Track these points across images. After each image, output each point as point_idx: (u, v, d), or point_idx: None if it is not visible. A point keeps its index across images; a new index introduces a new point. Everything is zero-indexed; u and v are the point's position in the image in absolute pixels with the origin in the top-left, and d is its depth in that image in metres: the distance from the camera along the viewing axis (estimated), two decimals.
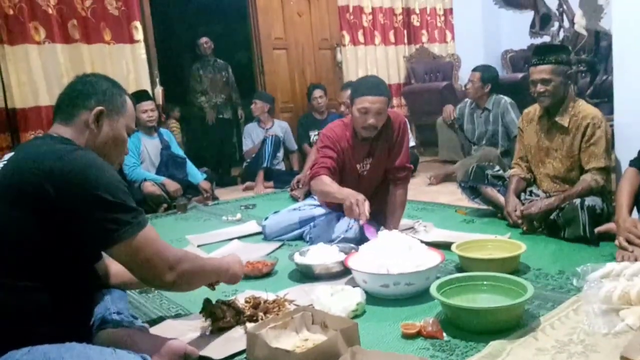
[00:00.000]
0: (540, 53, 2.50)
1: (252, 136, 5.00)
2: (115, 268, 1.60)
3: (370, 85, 2.38)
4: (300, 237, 2.71)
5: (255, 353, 1.42)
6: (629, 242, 1.95)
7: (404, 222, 2.92)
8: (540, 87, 2.46)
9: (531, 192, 2.68)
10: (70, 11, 4.09)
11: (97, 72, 1.52)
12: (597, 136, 2.39)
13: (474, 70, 3.89)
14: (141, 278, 1.35)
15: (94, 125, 1.36)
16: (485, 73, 3.78)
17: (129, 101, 1.45)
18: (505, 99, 3.73)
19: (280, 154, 4.96)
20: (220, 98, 5.67)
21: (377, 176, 2.59)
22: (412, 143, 4.85)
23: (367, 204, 2.17)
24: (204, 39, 5.57)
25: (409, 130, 2.55)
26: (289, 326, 1.53)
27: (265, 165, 4.71)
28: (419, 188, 4.18)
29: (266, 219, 2.84)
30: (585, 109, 2.47)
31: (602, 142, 2.39)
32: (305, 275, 2.15)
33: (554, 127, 2.53)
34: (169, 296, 1.99)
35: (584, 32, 3.01)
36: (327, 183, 2.36)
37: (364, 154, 2.54)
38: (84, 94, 1.37)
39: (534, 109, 2.65)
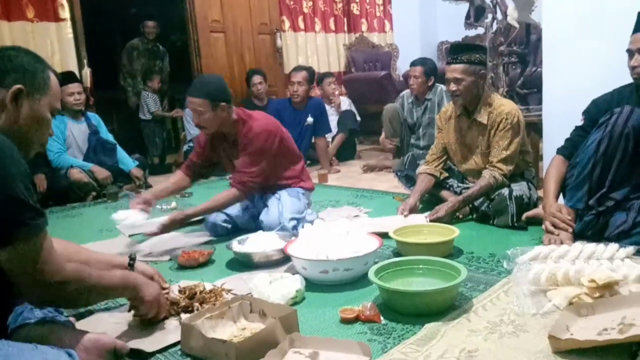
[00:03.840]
0: (454, 52, 2.52)
1: None
2: None
3: (193, 84, 2.47)
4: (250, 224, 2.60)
5: (190, 344, 1.37)
6: (555, 226, 2.05)
7: (347, 209, 2.95)
8: (452, 86, 2.49)
9: (465, 179, 2.75)
10: None
11: (18, 46, 1.35)
12: (505, 129, 2.46)
13: (414, 64, 3.87)
14: (21, 288, 1.18)
15: (12, 106, 1.22)
16: (427, 66, 3.81)
17: (53, 78, 1.31)
18: (442, 87, 3.80)
19: None
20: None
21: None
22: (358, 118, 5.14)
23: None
24: (151, 23, 5.34)
25: (261, 144, 2.49)
26: (226, 316, 1.49)
27: None
28: (357, 176, 4.22)
29: None
30: (501, 104, 2.51)
31: (507, 135, 2.45)
32: (244, 264, 2.11)
33: (473, 124, 2.58)
34: None
35: (516, 25, 3.12)
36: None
37: (234, 156, 2.55)
38: (1, 69, 1.22)
39: (451, 107, 2.69)
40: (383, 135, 4.29)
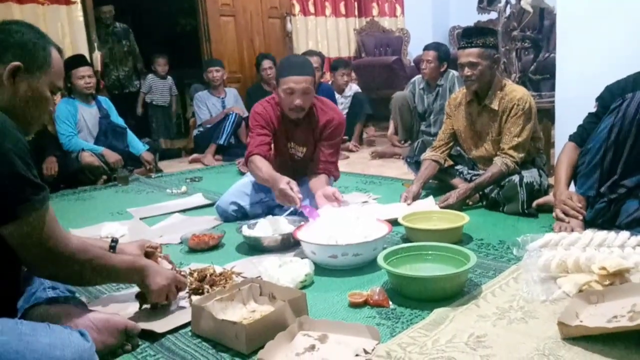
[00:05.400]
0: (468, 36, 2.49)
1: (207, 105, 4.83)
2: None
3: (295, 65, 2.36)
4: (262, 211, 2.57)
5: (201, 326, 1.39)
6: (566, 213, 2.03)
7: (357, 195, 2.96)
8: (467, 71, 2.46)
9: (474, 166, 2.74)
10: None
11: (21, 20, 1.34)
12: (517, 116, 2.43)
13: (427, 49, 3.84)
14: (28, 264, 1.21)
15: (9, 82, 1.20)
16: (441, 51, 3.78)
17: (55, 56, 1.28)
18: (454, 73, 3.77)
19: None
20: (123, 71, 5.39)
21: (310, 161, 2.59)
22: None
23: (295, 187, 2.17)
24: (106, 8, 5.18)
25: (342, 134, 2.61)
26: (236, 298, 1.51)
27: (222, 143, 4.59)
28: (366, 162, 4.21)
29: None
30: (513, 90, 2.49)
31: (519, 121, 2.43)
32: (253, 247, 2.12)
33: (484, 110, 2.55)
34: None
35: (530, 9, 3.07)
36: (258, 166, 2.34)
37: (295, 137, 2.53)
38: (1, 45, 1.21)
39: (462, 94, 2.67)
40: (391, 129, 4.28)
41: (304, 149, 2.56)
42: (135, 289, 1.56)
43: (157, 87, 5.36)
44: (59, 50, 1.31)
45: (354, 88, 5.19)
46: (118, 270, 1.37)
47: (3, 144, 1.10)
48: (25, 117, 1.24)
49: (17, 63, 1.20)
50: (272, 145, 2.51)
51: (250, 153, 2.41)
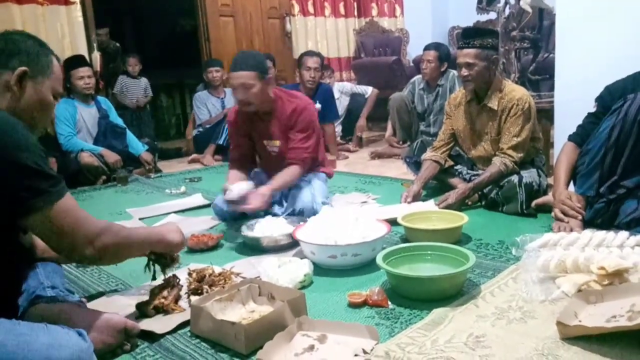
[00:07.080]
0: (467, 36, 2.49)
1: (207, 105, 4.83)
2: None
3: (235, 61, 2.38)
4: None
5: (200, 326, 1.39)
6: (565, 213, 2.04)
7: (356, 195, 2.95)
8: (464, 71, 2.46)
9: (473, 166, 2.74)
10: None
11: (22, 30, 1.40)
12: (516, 115, 2.43)
13: (428, 48, 3.83)
14: (59, 251, 1.27)
15: (16, 88, 1.25)
16: (441, 51, 3.78)
17: (55, 62, 1.35)
18: (454, 73, 3.76)
19: None
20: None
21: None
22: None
23: (230, 195, 2.25)
24: (102, 30, 5.15)
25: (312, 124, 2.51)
26: (235, 298, 1.51)
27: (222, 143, 4.58)
28: (365, 162, 4.21)
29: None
30: (512, 90, 2.49)
31: (518, 121, 2.43)
32: (252, 248, 2.12)
33: (483, 110, 2.55)
34: (108, 270, 1.91)
35: (529, 10, 3.07)
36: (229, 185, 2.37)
37: (267, 134, 2.53)
38: (6, 52, 1.26)
39: (461, 93, 2.67)
40: (389, 131, 4.27)
41: (277, 143, 2.54)
42: (135, 298, 1.57)
43: (129, 88, 5.28)
44: (57, 59, 1.38)
45: (346, 89, 5.06)
46: (139, 240, 1.45)
47: (19, 139, 1.14)
48: (31, 120, 1.28)
49: (23, 68, 1.26)
50: (246, 148, 2.58)
51: (229, 167, 2.57)
